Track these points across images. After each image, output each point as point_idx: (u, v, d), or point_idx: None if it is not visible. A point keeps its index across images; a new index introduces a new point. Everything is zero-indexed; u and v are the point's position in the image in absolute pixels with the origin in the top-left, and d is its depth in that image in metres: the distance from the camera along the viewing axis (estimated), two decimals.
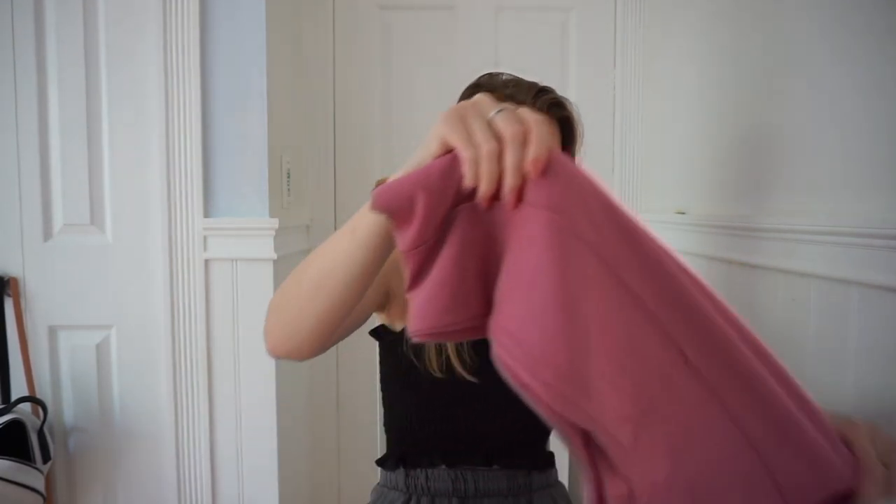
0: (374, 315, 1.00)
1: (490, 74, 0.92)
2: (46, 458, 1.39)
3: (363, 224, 0.59)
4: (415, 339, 0.52)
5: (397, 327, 0.94)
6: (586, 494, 0.53)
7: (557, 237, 0.48)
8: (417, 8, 1.86)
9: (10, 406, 1.40)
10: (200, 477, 1.49)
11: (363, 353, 1.86)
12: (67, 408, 1.51)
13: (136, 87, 1.46)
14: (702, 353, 0.51)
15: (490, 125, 0.49)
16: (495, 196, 0.49)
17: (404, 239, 0.51)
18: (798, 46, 1.09)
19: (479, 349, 0.89)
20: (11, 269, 1.47)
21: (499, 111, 0.50)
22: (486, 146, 0.48)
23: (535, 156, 0.47)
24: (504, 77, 0.90)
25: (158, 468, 1.51)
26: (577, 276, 0.48)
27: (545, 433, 0.97)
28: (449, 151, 0.50)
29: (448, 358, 0.88)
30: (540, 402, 0.48)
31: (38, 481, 1.34)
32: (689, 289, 0.51)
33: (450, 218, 0.51)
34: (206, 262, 1.46)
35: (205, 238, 1.45)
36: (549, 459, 0.98)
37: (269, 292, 1.46)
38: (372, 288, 0.85)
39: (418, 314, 0.52)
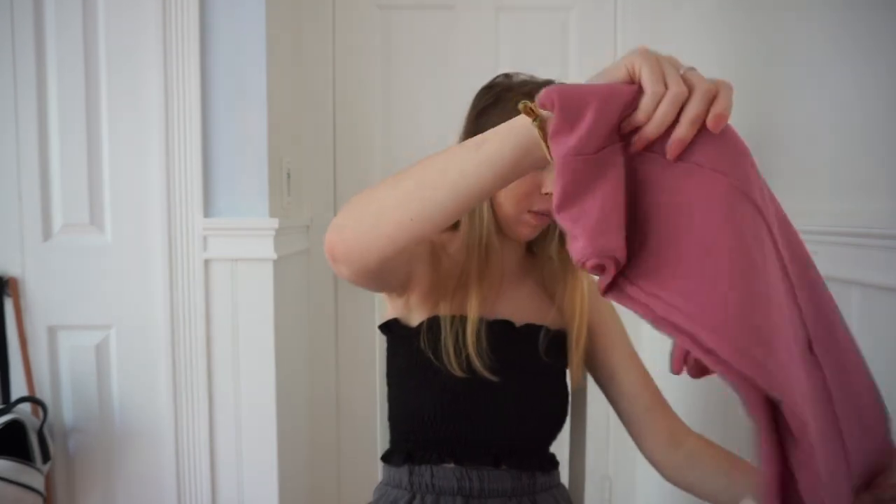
0: (379, 311, 1.00)
1: (506, 75, 0.94)
2: (46, 458, 1.39)
3: (494, 140, 0.56)
4: (582, 265, 0.48)
5: (413, 321, 0.93)
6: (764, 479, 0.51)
7: (741, 205, 0.47)
8: (417, 8, 1.86)
9: (9, 406, 1.40)
10: (200, 477, 1.49)
11: (363, 353, 1.86)
12: (67, 408, 1.51)
13: (136, 87, 1.46)
14: (823, 345, 0.52)
15: (682, 77, 0.49)
16: (648, 146, 0.49)
17: (566, 143, 0.47)
18: (798, 47, 1.09)
19: (496, 348, 0.89)
20: (11, 268, 1.47)
21: (691, 68, 0.50)
22: (674, 88, 0.48)
23: (720, 110, 0.47)
24: (520, 77, 0.92)
25: (158, 468, 1.51)
26: (758, 245, 0.48)
27: (552, 434, 0.97)
28: (631, 83, 0.50)
29: (468, 356, 0.88)
30: (722, 364, 0.45)
31: (37, 481, 1.34)
32: (821, 283, 0.53)
33: (602, 154, 0.49)
34: (206, 262, 1.45)
35: (205, 238, 1.45)
36: (554, 461, 0.98)
37: (269, 292, 1.46)
38: (405, 261, 0.85)
39: (590, 231, 0.47)
